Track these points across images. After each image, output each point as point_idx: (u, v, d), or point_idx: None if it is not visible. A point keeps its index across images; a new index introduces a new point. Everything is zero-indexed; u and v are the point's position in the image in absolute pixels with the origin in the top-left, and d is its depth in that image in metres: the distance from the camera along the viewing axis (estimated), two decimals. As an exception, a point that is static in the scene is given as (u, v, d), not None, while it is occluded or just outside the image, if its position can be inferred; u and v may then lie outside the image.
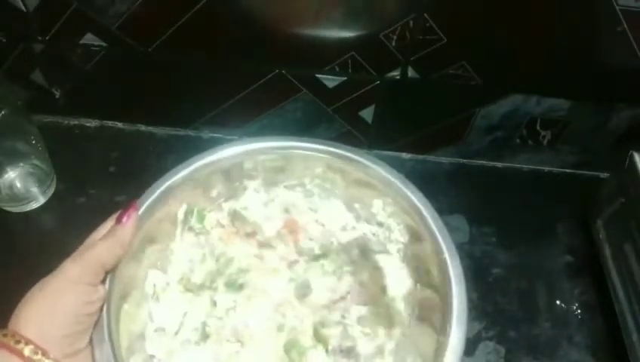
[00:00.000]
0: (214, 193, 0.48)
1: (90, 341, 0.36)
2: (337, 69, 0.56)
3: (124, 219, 0.39)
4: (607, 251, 0.54)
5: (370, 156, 0.46)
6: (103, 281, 0.37)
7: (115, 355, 0.35)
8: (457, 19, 0.50)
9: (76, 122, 0.65)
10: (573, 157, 0.64)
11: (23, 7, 0.53)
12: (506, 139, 0.62)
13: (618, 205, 0.52)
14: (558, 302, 0.55)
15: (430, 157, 0.65)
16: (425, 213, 0.42)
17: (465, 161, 0.65)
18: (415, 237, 0.44)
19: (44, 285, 0.34)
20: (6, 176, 0.57)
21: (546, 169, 0.65)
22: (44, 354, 0.32)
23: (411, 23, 0.50)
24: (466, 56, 0.53)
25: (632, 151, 0.50)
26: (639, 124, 0.58)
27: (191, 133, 0.65)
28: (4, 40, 0.56)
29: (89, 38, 0.55)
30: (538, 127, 0.60)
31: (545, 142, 0.62)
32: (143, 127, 0.65)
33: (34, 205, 0.57)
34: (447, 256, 0.40)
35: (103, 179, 0.60)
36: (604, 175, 0.64)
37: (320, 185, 0.49)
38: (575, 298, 0.55)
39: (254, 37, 0.53)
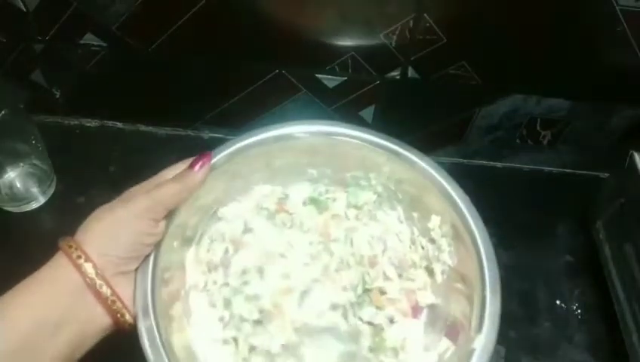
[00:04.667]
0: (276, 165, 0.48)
1: (137, 269, 0.39)
2: (337, 69, 0.56)
3: (197, 167, 0.41)
4: (607, 251, 0.54)
5: (441, 169, 0.45)
6: (166, 217, 0.40)
7: (153, 284, 0.38)
8: (457, 19, 0.50)
9: (76, 122, 0.65)
10: (573, 157, 0.64)
11: (23, 7, 0.53)
12: (506, 139, 0.62)
13: (618, 205, 0.52)
14: (558, 302, 0.55)
15: (430, 157, 0.65)
16: (480, 243, 0.42)
17: (465, 161, 0.65)
18: (462, 263, 0.44)
19: (113, 209, 0.38)
20: (6, 176, 0.57)
21: (546, 169, 0.65)
22: (98, 273, 0.36)
23: (411, 22, 0.50)
24: (466, 56, 0.53)
25: (632, 151, 0.50)
26: (639, 124, 0.58)
27: (191, 133, 0.65)
28: (4, 40, 0.56)
29: (89, 38, 0.55)
30: (538, 127, 0.60)
31: (545, 142, 0.62)
32: (143, 127, 0.65)
33: (34, 205, 0.57)
34: (488, 292, 0.40)
35: (103, 179, 0.60)
36: (604, 175, 0.64)
37: (385, 184, 0.49)
38: (575, 298, 0.55)
39: (254, 37, 0.53)
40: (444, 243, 0.46)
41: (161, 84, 0.60)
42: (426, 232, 0.47)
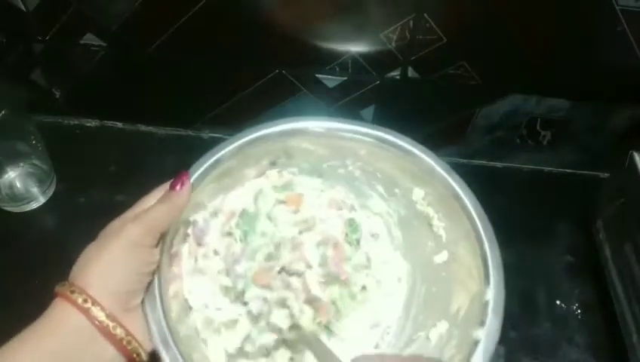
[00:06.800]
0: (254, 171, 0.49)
1: (142, 301, 0.38)
2: (337, 69, 0.56)
3: (178, 187, 0.40)
4: (607, 251, 0.54)
5: (417, 143, 0.47)
6: (157, 245, 0.39)
7: (164, 313, 0.37)
8: (457, 19, 0.50)
9: (76, 122, 0.65)
10: (573, 157, 0.64)
11: (23, 7, 0.53)
12: (506, 139, 0.62)
13: (618, 205, 0.52)
14: (558, 302, 0.55)
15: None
16: (467, 203, 0.43)
17: (465, 161, 0.65)
18: (454, 225, 0.45)
19: (106, 245, 0.36)
20: (6, 176, 0.57)
21: (546, 169, 0.65)
22: (94, 303, 0.34)
23: (411, 23, 0.50)
24: (466, 56, 0.53)
25: (632, 151, 0.51)
26: (639, 124, 0.58)
27: (191, 133, 0.65)
28: (4, 40, 0.56)
29: (89, 38, 0.55)
30: (538, 127, 0.60)
31: (545, 142, 0.62)
32: (143, 127, 0.65)
33: (34, 205, 0.57)
34: (487, 247, 0.41)
35: (103, 179, 0.60)
36: (604, 175, 0.64)
37: (362, 167, 0.49)
38: (575, 298, 0.55)
39: (254, 37, 0.53)
40: (430, 211, 0.47)
41: (161, 84, 0.60)
42: (411, 205, 0.48)
